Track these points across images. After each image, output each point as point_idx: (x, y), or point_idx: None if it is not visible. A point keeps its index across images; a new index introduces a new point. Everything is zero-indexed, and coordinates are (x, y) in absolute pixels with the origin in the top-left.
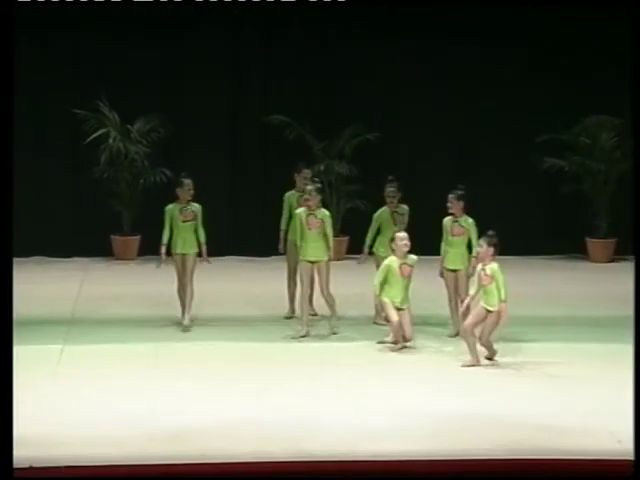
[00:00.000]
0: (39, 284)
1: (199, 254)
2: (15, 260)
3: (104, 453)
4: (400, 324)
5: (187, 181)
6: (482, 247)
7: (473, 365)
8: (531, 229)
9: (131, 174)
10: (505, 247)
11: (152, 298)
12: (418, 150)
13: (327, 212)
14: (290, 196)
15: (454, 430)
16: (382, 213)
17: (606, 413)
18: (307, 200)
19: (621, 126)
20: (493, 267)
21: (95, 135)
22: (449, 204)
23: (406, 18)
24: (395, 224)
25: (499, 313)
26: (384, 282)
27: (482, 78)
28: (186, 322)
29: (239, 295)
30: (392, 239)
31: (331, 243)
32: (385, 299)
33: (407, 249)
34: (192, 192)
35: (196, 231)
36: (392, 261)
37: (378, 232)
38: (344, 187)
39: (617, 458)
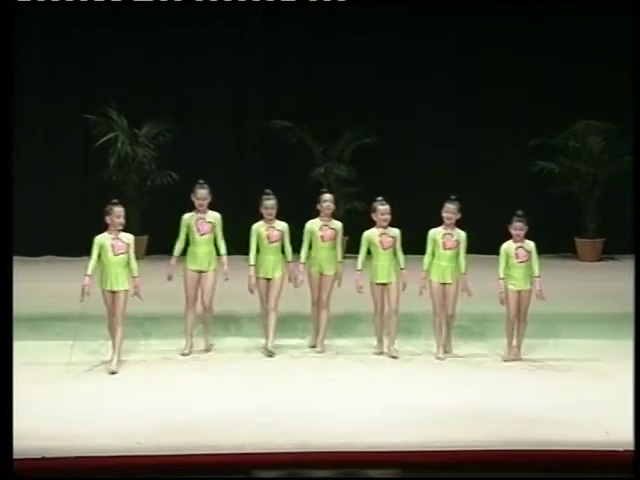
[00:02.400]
0: (50, 282)
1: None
2: (27, 259)
3: (113, 444)
4: (380, 321)
5: (118, 209)
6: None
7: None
8: None
9: (139, 176)
10: (497, 247)
11: (159, 295)
12: (414, 153)
13: (285, 224)
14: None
15: (451, 423)
16: (312, 225)
17: (599, 405)
18: (268, 215)
19: (609, 130)
20: (530, 244)
21: (104, 139)
22: (450, 214)
23: (406, 21)
24: (324, 240)
25: (530, 291)
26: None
27: (481, 82)
28: (113, 368)
29: (240, 293)
30: (374, 210)
31: (289, 256)
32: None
33: (387, 223)
34: (123, 221)
35: (128, 265)
36: (372, 232)
37: (310, 247)
38: (343, 189)
39: (612, 449)
